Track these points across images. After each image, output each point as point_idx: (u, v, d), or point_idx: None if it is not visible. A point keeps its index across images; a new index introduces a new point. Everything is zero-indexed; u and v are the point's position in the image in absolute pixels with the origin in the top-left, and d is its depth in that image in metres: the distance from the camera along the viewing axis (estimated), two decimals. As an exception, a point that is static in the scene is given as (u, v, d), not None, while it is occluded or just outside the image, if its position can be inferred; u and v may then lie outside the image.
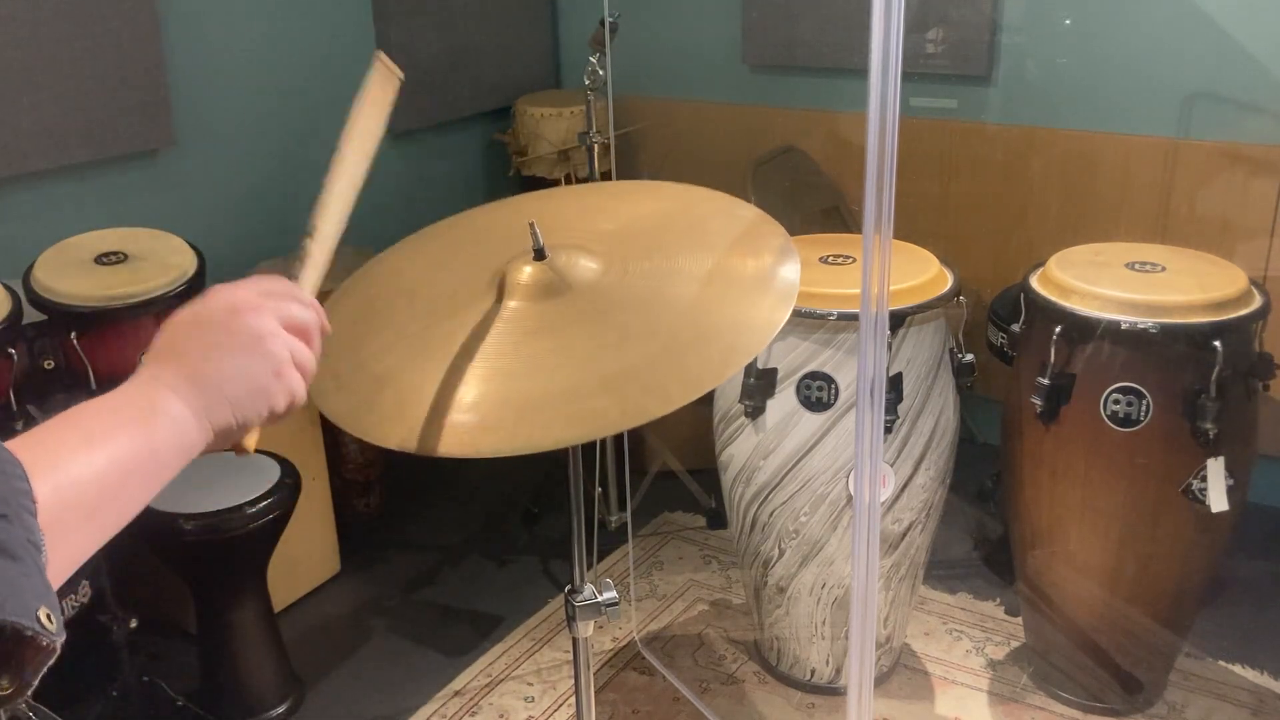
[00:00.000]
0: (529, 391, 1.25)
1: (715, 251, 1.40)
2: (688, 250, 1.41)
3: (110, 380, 2.40)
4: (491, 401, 1.25)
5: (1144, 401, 2.11)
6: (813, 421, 2.22)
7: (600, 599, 1.54)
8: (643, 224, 1.51)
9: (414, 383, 1.29)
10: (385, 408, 1.28)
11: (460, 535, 3.21)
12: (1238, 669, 2.53)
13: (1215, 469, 2.11)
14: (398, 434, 1.24)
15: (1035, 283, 2.29)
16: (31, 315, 2.31)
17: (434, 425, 1.24)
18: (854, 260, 2.32)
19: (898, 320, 2.16)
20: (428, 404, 1.26)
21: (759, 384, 2.23)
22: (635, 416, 1.20)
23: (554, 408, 1.22)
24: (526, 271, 1.37)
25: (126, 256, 2.48)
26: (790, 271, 1.38)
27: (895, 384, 2.18)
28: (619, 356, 1.27)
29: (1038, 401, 2.21)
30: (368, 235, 3.40)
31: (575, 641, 1.60)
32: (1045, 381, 2.19)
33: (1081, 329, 2.16)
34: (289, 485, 2.39)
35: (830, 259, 2.34)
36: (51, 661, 0.65)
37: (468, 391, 1.26)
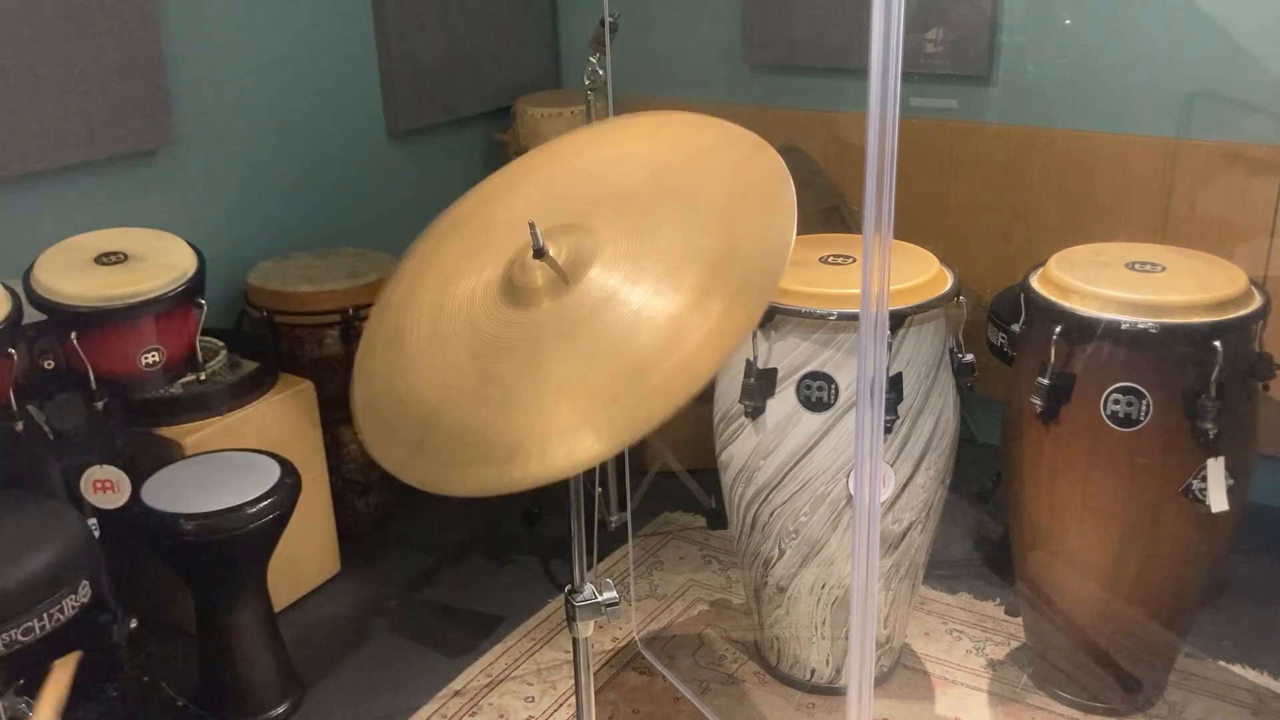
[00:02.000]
0: (557, 410, 1.24)
1: (720, 181, 1.39)
2: (694, 188, 1.40)
3: (110, 380, 2.41)
4: (520, 428, 1.25)
5: (1144, 401, 2.11)
6: (813, 421, 2.22)
7: (600, 599, 1.55)
8: (640, 178, 1.49)
9: (455, 420, 1.28)
10: (437, 451, 1.28)
11: (460, 535, 3.21)
12: (1238, 669, 2.53)
13: (1215, 469, 2.11)
14: (445, 479, 1.24)
15: (1035, 283, 2.29)
16: (31, 315, 2.31)
17: (478, 465, 1.23)
18: (854, 260, 2.32)
19: (898, 320, 2.16)
20: (469, 443, 1.26)
21: (759, 384, 2.23)
22: (671, 400, 1.19)
23: (587, 418, 1.22)
24: (530, 274, 1.37)
25: (126, 256, 2.48)
26: (788, 192, 1.36)
27: (895, 384, 2.18)
28: (639, 338, 1.26)
29: (1038, 401, 2.21)
30: (368, 235, 3.42)
31: (575, 641, 1.60)
32: (1045, 381, 2.19)
33: (1081, 329, 2.16)
34: (289, 485, 2.39)
35: (830, 259, 2.34)
36: None
37: (496, 426, 1.26)
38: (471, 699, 2.54)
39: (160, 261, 2.49)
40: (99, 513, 2.15)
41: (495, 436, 1.26)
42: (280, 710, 2.49)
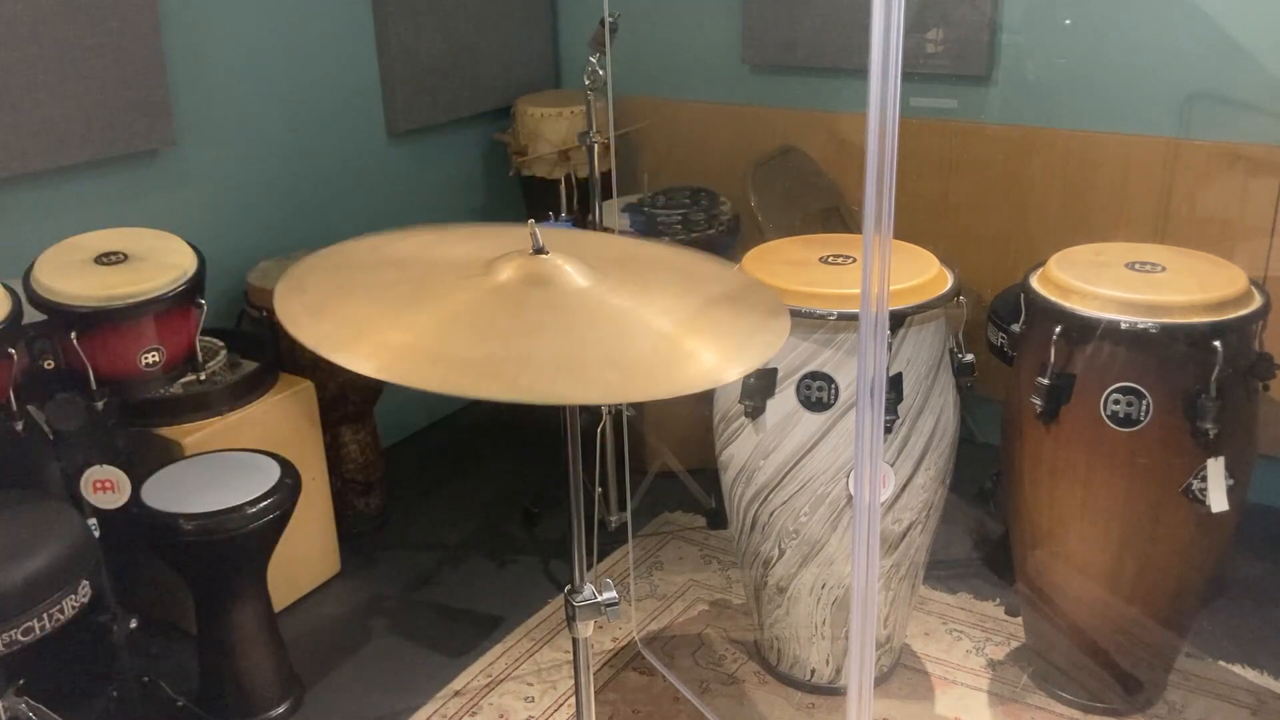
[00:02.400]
0: (530, 351, 1.26)
1: (694, 299, 1.44)
2: (670, 292, 1.45)
3: (110, 380, 2.41)
4: (491, 351, 1.26)
5: (1144, 401, 2.11)
6: (813, 421, 2.22)
7: (600, 599, 1.55)
8: (639, 261, 1.57)
9: (403, 322, 1.30)
10: (366, 346, 1.27)
11: (460, 535, 3.21)
12: (1238, 669, 2.53)
13: (1215, 469, 2.11)
14: (386, 366, 1.23)
15: (1035, 283, 2.30)
16: (31, 315, 2.31)
17: (428, 364, 1.23)
18: (854, 260, 2.32)
19: (898, 320, 2.16)
20: (421, 346, 1.26)
21: (759, 384, 2.23)
22: (639, 392, 1.21)
23: (555, 368, 1.23)
24: (524, 261, 1.39)
25: (126, 256, 2.48)
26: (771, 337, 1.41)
27: (895, 384, 2.18)
28: (615, 345, 1.28)
29: (1038, 401, 2.21)
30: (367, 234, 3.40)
31: (575, 641, 1.60)
32: (1045, 381, 2.19)
33: (1081, 329, 2.16)
34: (289, 485, 2.39)
35: (830, 259, 2.34)
36: None
37: (467, 342, 1.27)
38: (471, 699, 2.54)
39: (160, 261, 2.48)
40: (99, 513, 2.15)
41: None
42: (280, 710, 2.49)
